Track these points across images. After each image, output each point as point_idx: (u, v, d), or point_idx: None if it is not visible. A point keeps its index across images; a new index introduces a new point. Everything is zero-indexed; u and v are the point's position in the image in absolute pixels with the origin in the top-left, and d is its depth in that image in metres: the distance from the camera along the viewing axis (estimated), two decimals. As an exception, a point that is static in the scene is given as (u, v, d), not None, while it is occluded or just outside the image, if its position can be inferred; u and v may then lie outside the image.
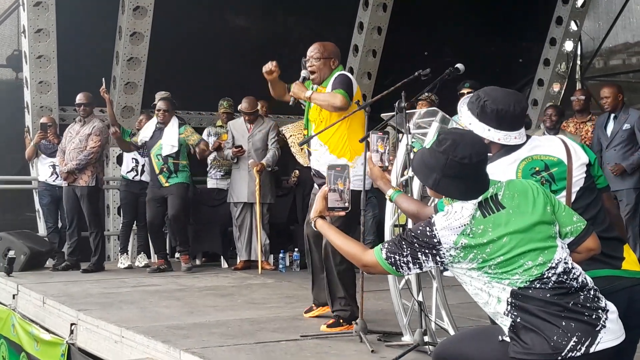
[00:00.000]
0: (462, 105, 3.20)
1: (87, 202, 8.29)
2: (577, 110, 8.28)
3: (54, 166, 8.72)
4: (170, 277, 7.96)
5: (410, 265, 2.84)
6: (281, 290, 6.99)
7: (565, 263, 2.80)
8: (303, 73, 5.23)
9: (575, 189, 3.11)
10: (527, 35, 12.10)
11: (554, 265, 2.77)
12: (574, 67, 12.64)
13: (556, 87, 12.00)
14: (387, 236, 4.60)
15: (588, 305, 2.75)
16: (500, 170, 3.06)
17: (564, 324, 2.71)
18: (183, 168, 8.28)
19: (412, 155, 4.38)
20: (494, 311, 2.83)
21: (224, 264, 8.89)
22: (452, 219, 2.80)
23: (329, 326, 5.00)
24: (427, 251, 2.81)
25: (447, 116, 4.50)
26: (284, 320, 5.42)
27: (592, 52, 12.59)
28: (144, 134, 8.38)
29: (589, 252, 2.93)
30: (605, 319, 2.75)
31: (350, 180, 3.25)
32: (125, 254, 8.82)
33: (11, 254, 8.26)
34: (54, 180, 8.78)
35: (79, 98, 8.40)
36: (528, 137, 3.19)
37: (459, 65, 4.56)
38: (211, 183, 9.17)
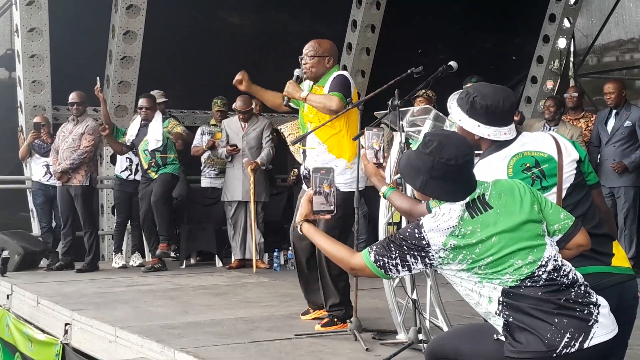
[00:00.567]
0: (452, 102, 3.21)
1: (81, 202, 8.27)
2: (570, 107, 8.30)
3: (47, 166, 8.70)
4: (165, 276, 7.96)
5: (399, 267, 2.84)
6: (276, 289, 6.99)
7: (555, 260, 2.80)
8: (297, 72, 5.16)
9: (565, 185, 3.12)
10: (520, 32, 12.12)
11: (544, 263, 2.78)
12: (567, 65, 12.66)
13: (549, 85, 12.02)
14: (381, 234, 4.60)
15: (580, 301, 2.76)
16: (491, 167, 3.07)
17: (556, 320, 2.71)
18: (172, 161, 8.29)
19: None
20: (486, 311, 2.84)
21: (219, 263, 8.89)
22: (441, 220, 2.80)
23: (323, 325, 5.00)
24: (415, 253, 2.81)
25: (441, 114, 4.50)
26: (278, 319, 5.42)
27: (586, 49, 12.60)
28: (130, 133, 8.39)
29: (579, 248, 2.94)
30: (598, 313, 2.76)
31: (335, 183, 3.23)
32: (119, 253, 8.80)
33: (5, 253, 8.24)
34: (47, 180, 8.76)
35: (72, 97, 8.38)
36: (519, 133, 3.20)
37: (452, 63, 4.56)
38: (205, 182, 9.16)
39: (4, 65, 10.62)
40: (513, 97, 3.21)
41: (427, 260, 2.82)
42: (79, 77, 9.09)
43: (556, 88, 12.03)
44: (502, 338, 2.79)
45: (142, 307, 6.06)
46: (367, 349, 4.36)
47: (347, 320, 4.80)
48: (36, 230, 9.28)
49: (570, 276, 2.80)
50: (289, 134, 8.48)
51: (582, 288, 2.80)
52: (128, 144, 8.39)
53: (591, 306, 2.77)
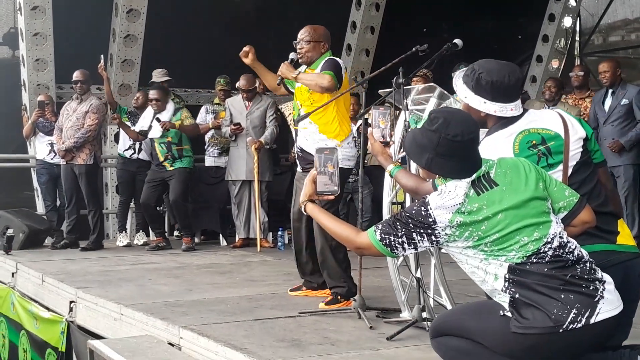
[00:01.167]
0: (458, 79, 3.19)
1: (85, 180, 8.28)
2: (576, 87, 8.27)
3: (51, 144, 8.70)
4: (169, 255, 7.98)
5: (405, 245, 2.84)
6: (280, 268, 7.00)
7: (561, 237, 2.81)
8: (292, 55, 5.27)
9: (571, 163, 3.11)
10: (525, 11, 12.03)
11: (549, 240, 2.78)
12: (573, 44, 12.60)
13: (555, 64, 11.96)
14: (385, 213, 4.60)
15: (585, 277, 2.77)
16: (497, 143, 3.06)
17: (562, 296, 2.72)
18: (187, 153, 8.31)
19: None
20: (491, 288, 2.84)
21: (223, 242, 8.90)
22: (447, 197, 2.80)
23: (327, 303, 5.03)
24: (422, 231, 2.81)
25: (446, 92, 4.48)
26: (282, 297, 5.43)
27: (591, 28, 12.54)
28: (142, 123, 8.38)
29: (584, 225, 2.94)
30: (603, 289, 2.76)
31: (338, 163, 3.25)
32: (123, 232, 8.82)
33: (10, 232, 8.27)
34: (52, 159, 8.76)
35: (76, 75, 8.36)
36: (525, 110, 3.18)
37: (457, 41, 4.55)
38: (209, 161, 9.16)
39: (7, 44, 10.62)
40: (519, 72, 3.20)
41: (433, 237, 2.82)
42: (82, 56, 9.06)
43: (562, 67, 11.98)
44: (508, 314, 2.80)
45: (146, 285, 6.08)
46: (371, 327, 4.37)
47: (352, 299, 4.81)
48: (40, 208, 9.30)
49: (575, 253, 2.81)
50: (289, 113, 8.48)
51: (588, 265, 2.81)
52: (142, 132, 8.42)
53: (597, 282, 2.77)
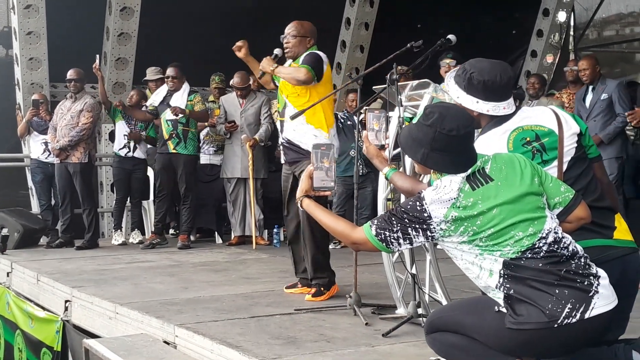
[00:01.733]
0: (449, 79, 3.19)
1: (80, 179, 8.26)
2: (570, 81, 8.31)
3: (46, 143, 8.68)
4: (165, 253, 7.96)
5: (401, 240, 2.85)
6: (275, 265, 6.99)
7: (556, 233, 2.80)
8: (276, 51, 5.35)
9: (566, 158, 3.11)
10: (520, 6, 12.04)
11: (544, 235, 2.78)
12: (568, 38, 12.60)
13: (549, 59, 11.97)
14: (380, 210, 4.60)
15: (580, 272, 2.77)
16: (491, 142, 3.06)
17: (557, 291, 2.72)
18: (192, 136, 8.27)
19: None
20: (485, 285, 2.84)
21: (218, 240, 8.90)
22: (442, 192, 2.80)
23: (313, 295, 5.14)
24: (417, 226, 2.81)
25: (438, 86, 4.47)
26: (278, 295, 5.43)
27: (586, 23, 12.54)
28: (155, 98, 8.37)
29: (579, 221, 2.94)
30: (598, 284, 2.76)
31: (335, 159, 3.27)
32: (119, 230, 8.81)
33: (5, 231, 8.27)
34: (46, 158, 8.74)
35: (70, 74, 8.34)
36: (518, 108, 3.18)
37: (451, 37, 4.55)
38: (204, 159, 9.14)
39: (0, 43, 10.57)
40: (510, 71, 3.20)
41: (428, 232, 2.81)
42: (76, 54, 9.04)
43: (556, 62, 11.98)
44: (503, 310, 2.79)
45: (142, 284, 6.06)
46: (366, 324, 4.37)
47: (347, 296, 4.80)
48: (35, 208, 9.28)
49: (570, 248, 2.81)
50: (275, 111, 8.49)
51: (582, 260, 2.81)
52: (151, 108, 8.38)
53: (591, 277, 2.77)
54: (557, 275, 2.74)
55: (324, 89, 5.23)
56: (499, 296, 2.80)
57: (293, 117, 5.14)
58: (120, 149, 8.75)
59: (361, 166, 7.06)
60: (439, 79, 5.67)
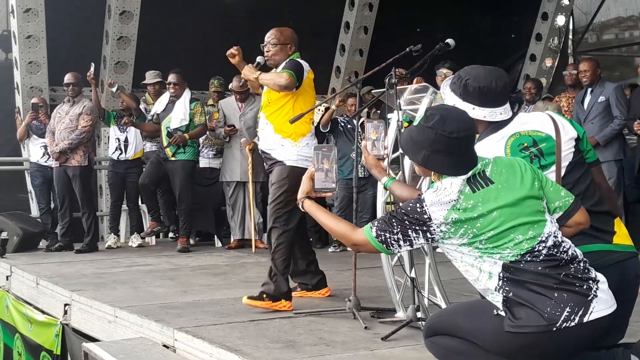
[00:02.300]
0: (445, 87, 3.20)
1: (79, 183, 8.27)
2: (569, 85, 8.32)
3: (45, 147, 8.68)
4: (164, 256, 7.96)
5: (401, 242, 2.85)
6: (275, 269, 6.97)
7: (555, 237, 2.81)
8: (259, 59, 5.30)
9: (564, 163, 3.11)
10: (518, 10, 12.06)
11: (544, 239, 2.79)
12: (566, 42, 12.62)
13: (548, 63, 11.99)
14: (379, 213, 4.60)
15: (579, 276, 2.77)
16: (489, 148, 3.06)
17: (556, 295, 2.72)
18: (191, 143, 8.30)
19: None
20: (484, 287, 2.85)
21: (218, 243, 8.90)
22: (442, 194, 2.80)
23: (249, 298, 4.92)
24: (417, 228, 2.82)
25: (437, 91, 4.48)
26: (277, 298, 5.42)
27: (585, 27, 12.57)
28: (158, 106, 8.40)
29: (578, 226, 2.95)
30: (597, 289, 2.77)
31: (336, 160, 3.27)
32: (112, 234, 8.82)
33: (4, 235, 8.26)
34: (45, 161, 8.74)
35: (67, 78, 8.36)
36: (515, 113, 3.19)
37: (450, 41, 4.55)
38: (203, 162, 9.14)
39: (0, 47, 10.58)
40: (505, 77, 3.21)
41: (428, 234, 2.82)
42: (75, 58, 9.06)
43: (555, 66, 12.00)
44: (502, 313, 2.80)
45: (141, 287, 6.06)
46: (365, 327, 4.37)
47: (346, 299, 4.77)
48: (35, 211, 9.29)
49: (569, 252, 2.81)
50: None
51: (582, 264, 2.81)
52: (155, 119, 8.43)
53: (590, 281, 2.78)
54: (556, 279, 2.75)
55: (303, 99, 5.15)
56: (497, 299, 2.81)
57: (292, 122, 5.10)
58: (112, 152, 8.80)
59: (361, 169, 7.06)
60: (436, 86, 5.68)
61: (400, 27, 10.93)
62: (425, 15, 11.32)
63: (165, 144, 8.21)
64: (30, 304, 6.68)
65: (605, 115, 7.44)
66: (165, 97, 8.39)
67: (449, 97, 3.17)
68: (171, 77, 8.27)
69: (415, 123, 2.96)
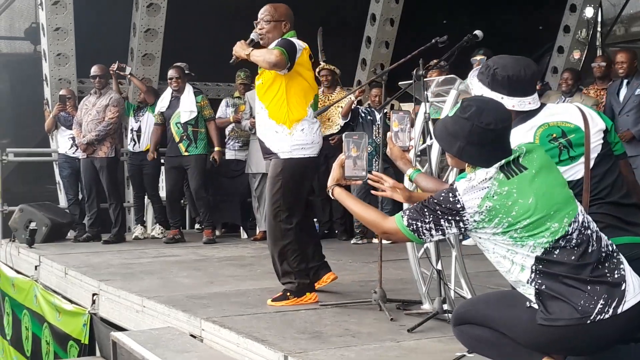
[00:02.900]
0: (472, 78, 3.19)
1: (106, 174, 8.35)
2: (598, 77, 8.23)
3: (73, 138, 8.76)
4: (191, 247, 8.02)
5: (433, 232, 2.83)
6: (300, 260, 6.99)
7: (585, 223, 2.79)
8: (252, 35, 5.03)
9: (593, 155, 3.09)
10: (547, 2, 11.95)
11: (576, 226, 2.76)
12: (595, 34, 12.49)
13: (576, 55, 11.87)
14: (405, 205, 4.59)
15: (611, 266, 2.74)
16: (518, 138, 3.04)
17: (589, 288, 2.70)
18: (202, 137, 8.35)
19: (430, 124, 4.36)
20: (516, 279, 2.82)
21: (244, 235, 8.94)
22: (475, 182, 2.78)
23: (274, 300, 4.87)
24: (450, 217, 2.79)
25: (464, 82, 4.46)
26: (303, 290, 5.43)
27: (613, 19, 12.44)
28: (161, 104, 8.43)
29: None
30: (626, 276, 2.74)
31: (367, 148, 3.26)
32: (139, 225, 8.92)
33: (33, 225, 8.35)
34: (73, 152, 8.83)
35: (94, 70, 8.46)
36: (543, 104, 3.17)
37: (477, 32, 4.53)
38: (229, 154, 9.17)
39: (29, 39, 10.69)
40: (534, 65, 3.18)
41: (461, 224, 2.79)
42: (103, 50, 9.12)
43: (583, 58, 11.88)
44: (535, 306, 2.77)
45: (168, 278, 6.11)
46: (391, 319, 4.37)
47: (372, 291, 4.77)
48: (63, 202, 9.37)
49: (602, 242, 2.79)
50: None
51: (611, 252, 2.78)
52: (159, 120, 8.50)
53: (621, 270, 2.75)
54: (589, 270, 2.72)
55: (297, 82, 4.83)
56: (529, 292, 2.78)
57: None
58: (128, 144, 8.90)
59: (377, 162, 6.99)
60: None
61: (426, 19, 10.88)
62: (451, 7, 11.26)
63: (177, 139, 8.26)
64: (58, 294, 6.75)
65: None
66: (167, 94, 8.43)
67: (476, 87, 3.15)
68: (172, 72, 8.34)
69: (450, 114, 2.93)
